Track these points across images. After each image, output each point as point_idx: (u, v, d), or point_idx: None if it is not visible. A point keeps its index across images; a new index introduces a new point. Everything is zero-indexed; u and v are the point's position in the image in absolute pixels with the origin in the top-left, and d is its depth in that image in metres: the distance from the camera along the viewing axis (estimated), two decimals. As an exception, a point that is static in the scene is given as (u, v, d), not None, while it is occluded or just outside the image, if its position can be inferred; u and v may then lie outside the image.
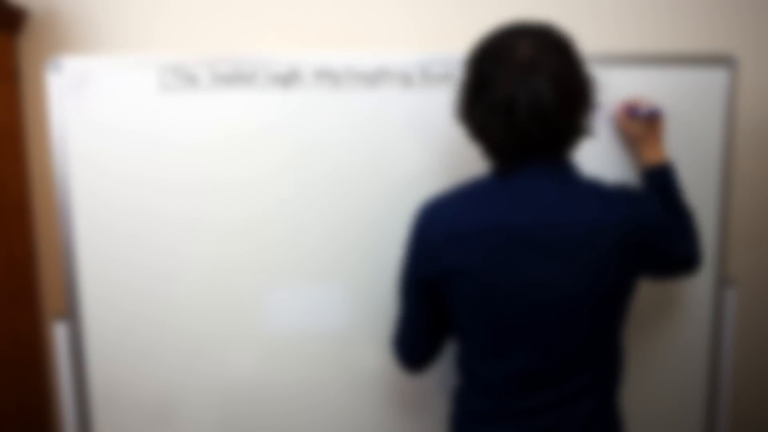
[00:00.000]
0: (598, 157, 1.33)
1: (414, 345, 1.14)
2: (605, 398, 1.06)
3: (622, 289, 1.03)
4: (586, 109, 0.98)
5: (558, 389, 1.02)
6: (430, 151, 1.32)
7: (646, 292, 1.40)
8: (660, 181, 1.24)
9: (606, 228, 0.96)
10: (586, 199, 0.97)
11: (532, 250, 0.96)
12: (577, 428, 1.02)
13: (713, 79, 1.36)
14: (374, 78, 1.30)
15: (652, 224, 1.01)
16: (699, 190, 1.38)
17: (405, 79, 1.30)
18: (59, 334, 1.30)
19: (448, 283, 1.01)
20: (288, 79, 1.29)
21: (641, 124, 1.27)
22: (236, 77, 1.28)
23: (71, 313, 1.30)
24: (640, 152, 1.30)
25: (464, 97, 1.00)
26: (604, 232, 0.96)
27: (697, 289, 1.42)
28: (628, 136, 1.30)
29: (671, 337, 1.43)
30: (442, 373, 1.32)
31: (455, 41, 1.62)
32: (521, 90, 0.91)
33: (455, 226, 0.99)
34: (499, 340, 1.02)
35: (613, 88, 1.33)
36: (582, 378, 1.02)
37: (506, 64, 0.93)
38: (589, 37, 1.66)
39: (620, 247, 0.97)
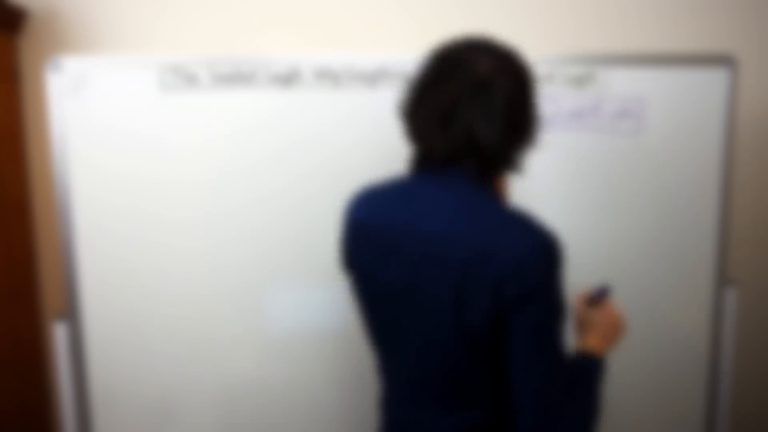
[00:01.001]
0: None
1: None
2: None
3: (482, 333, 0.88)
4: (524, 143, 0.93)
5: (413, 416, 0.99)
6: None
7: (646, 291, 1.40)
8: (591, 369, 1.00)
9: (471, 252, 0.86)
10: (464, 216, 0.89)
11: (389, 254, 0.92)
12: None
13: (713, 79, 1.35)
14: (374, 78, 1.30)
15: (526, 267, 0.85)
16: (699, 190, 1.38)
17: (405, 79, 1.29)
18: (59, 334, 1.30)
19: (350, 276, 1.02)
20: (288, 79, 1.28)
21: (597, 308, 1.11)
22: (236, 77, 1.28)
23: (71, 313, 1.30)
24: (584, 338, 1.08)
25: (410, 96, 0.95)
26: (466, 255, 0.86)
27: (697, 289, 1.42)
28: (586, 326, 1.09)
29: (671, 337, 1.43)
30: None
31: (455, 41, 1.62)
32: (467, 106, 0.87)
33: (356, 219, 0.99)
34: (379, 347, 1.03)
35: (614, 87, 1.33)
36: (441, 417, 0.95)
37: (461, 74, 0.89)
38: (589, 37, 1.66)
39: (486, 283, 0.85)
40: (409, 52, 1.33)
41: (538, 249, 0.86)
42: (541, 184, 1.32)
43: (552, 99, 1.31)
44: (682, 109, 1.35)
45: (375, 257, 0.95)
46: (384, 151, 1.32)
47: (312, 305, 1.35)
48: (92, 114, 1.26)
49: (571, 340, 1.02)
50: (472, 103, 0.87)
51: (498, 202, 0.93)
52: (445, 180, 0.92)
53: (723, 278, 1.42)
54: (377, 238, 0.94)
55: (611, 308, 1.10)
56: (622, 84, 1.33)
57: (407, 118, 0.96)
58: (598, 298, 1.11)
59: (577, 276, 1.10)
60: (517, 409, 0.87)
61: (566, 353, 0.91)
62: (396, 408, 1.02)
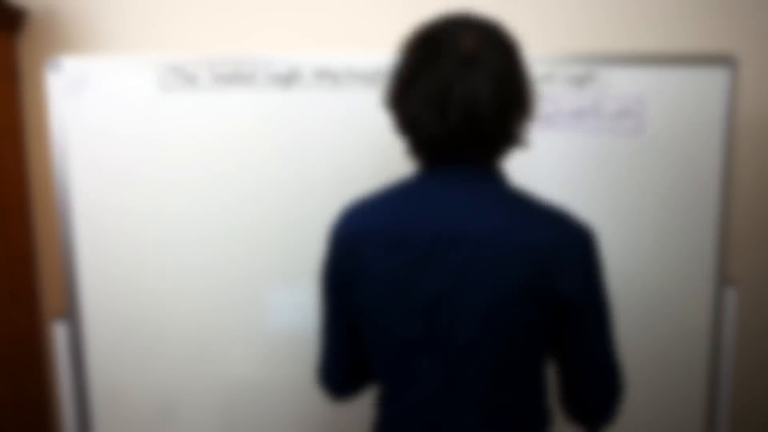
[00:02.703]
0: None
1: (333, 367, 1.02)
2: None
3: (524, 325, 0.88)
4: (523, 116, 0.90)
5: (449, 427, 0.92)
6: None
7: (646, 291, 1.40)
8: None
9: (515, 247, 0.85)
10: (499, 211, 0.88)
11: (426, 260, 0.87)
12: None
13: (713, 79, 1.35)
14: (374, 78, 1.30)
15: (570, 258, 0.86)
16: (699, 190, 1.38)
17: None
18: (59, 334, 1.30)
19: (351, 290, 0.94)
20: (288, 79, 1.28)
21: None
22: (236, 77, 1.28)
23: (71, 313, 1.30)
24: None
25: (396, 85, 0.90)
26: (510, 250, 0.85)
27: (697, 289, 1.42)
28: None
29: (671, 337, 1.43)
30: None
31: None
32: (458, 83, 0.83)
33: (361, 230, 0.92)
34: (397, 356, 0.93)
35: (614, 87, 1.33)
36: (476, 421, 0.91)
37: (446, 54, 0.84)
38: (589, 37, 1.66)
39: (527, 274, 0.85)
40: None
41: (581, 236, 0.88)
42: (540, 184, 1.32)
43: (552, 99, 1.31)
44: (682, 109, 1.35)
45: (406, 265, 0.88)
46: (384, 151, 1.32)
47: (312, 305, 1.35)
48: (92, 114, 1.26)
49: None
50: (462, 81, 0.84)
51: (520, 192, 0.92)
52: (462, 176, 0.90)
53: (723, 278, 1.42)
54: (407, 246, 0.88)
55: None
56: (622, 84, 1.33)
57: (396, 109, 0.91)
58: None
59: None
60: (581, 389, 0.94)
61: None
62: (428, 415, 0.94)
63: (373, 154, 1.31)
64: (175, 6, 1.60)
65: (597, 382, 0.94)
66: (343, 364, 1.02)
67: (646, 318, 1.42)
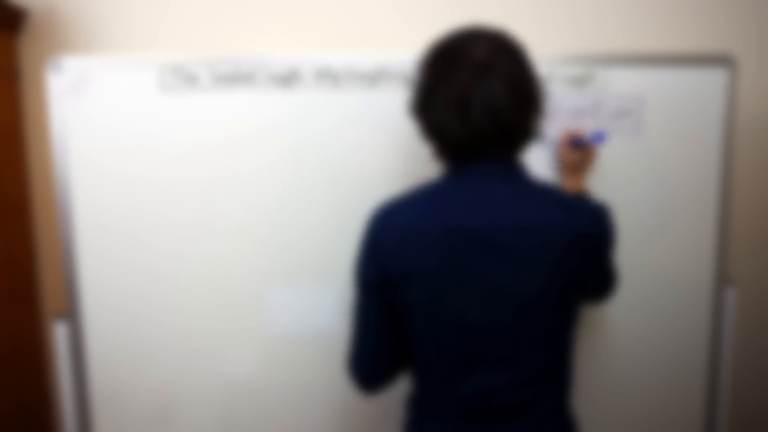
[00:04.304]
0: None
1: (369, 361, 1.07)
2: (559, 404, 1.06)
3: (569, 296, 1.02)
4: (536, 112, 1.00)
5: (516, 398, 1.01)
6: (430, 150, 1.32)
7: (646, 291, 1.40)
8: None
9: (560, 232, 0.96)
10: (539, 201, 0.98)
11: (489, 252, 0.96)
12: None
13: (713, 79, 1.36)
14: (374, 78, 1.30)
15: (604, 235, 1.02)
16: (699, 190, 1.38)
17: (405, 79, 1.30)
18: (59, 334, 1.30)
19: (401, 288, 0.99)
20: (288, 79, 1.29)
21: (579, 153, 1.30)
22: (236, 77, 1.28)
23: (71, 313, 1.30)
24: (567, 179, 1.33)
25: (419, 94, 1.01)
26: (558, 235, 0.96)
27: (697, 289, 1.42)
28: (565, 165, 1.32)
29: (671, 337, 1.43)
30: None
31: (455, 41, 1.63)
32: (476, 89, 0.94)
33: (409, 229, 0.98)
34: (457, 348, 1.00)
35: (613, 87, 1.33)
36: (539, 386, 1.02)
37: (462, 63, 0.95)
38: (588, 38, 1.66)
39: (570, 251, 0.97)
40: (409, 52, 1.34)
41: (606, 219, 1.02)
42: (540, 184, 1.32)
43: (551, 99, 1.31)
44: (681, 109, 1.36)
45: (464, 259, 0.96)
46: (384, 151, 1.32)
47: (312, 305, 1.35)
48: (92, 114, 1.26)
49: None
50: (480, 86, 0.94)
51: (541, 182, 1.02)
52: (491, 172, 0.99)
53: (723, 278, 1.42)
54: (460, 241, 0.96)
55: (594, 154, 1.31)
56: (622, 84, 1.34)
57: (421, 117, 1.01)
58: (590, 141, 1.26)
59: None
60: (591, 295, 1.17)
61: None
62: (495, 396, 1.01)
63: (373, 153, 1.32)
64: (176, 6, 1.60)
65: (604, 287, 1.17)
66: (380, 357, 1.07)
67: (645, 317, 1.42)
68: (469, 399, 1.02)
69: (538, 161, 1.34)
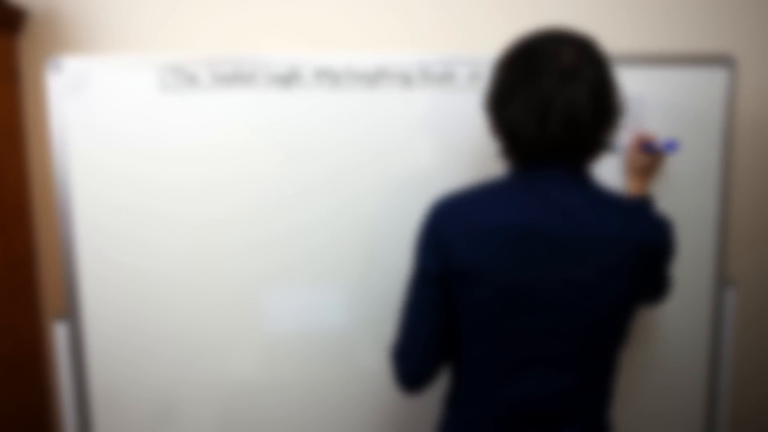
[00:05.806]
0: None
1: (420, 357, 1.04)
2: (602, 413, 1.06)
3: (631, 304, 1.03)
4: (614, 125, 0.99)
5: (568, 402, 1.01)
6: (430, 151, 1.32)
7: (646, 292, 1.40)
8: None
9: (629, 240, 0.97)
10: (609, 209, 0.98)
11: (561, 256, 0.95)
12: None
13: (713, 79, 1.36)
14: (374, 78, 1.30)
15: (666, 247, 1.03)
16: (699, 190, 1.38)
17: (405, 79, 1.30)
18: (59, 334, 1.30)
19: (464, 284, 0.98)
20: (288, 79, 1.29)
21: (649, 158, 1.30)
22: (236, 77, 1.28)
23: (71, 312, 1.30)
24: (633, 182, 1.34)
25: (497, 92, 0.99)
26: (627, 244, 0.97)
27: (697, 289, 1.42)
28: (632, 168, 1.33)
29: (671, 337, 1.43)
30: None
31: (455, 42, 1.62)
32: (559, 95, 0.92)
33: (478, 225, 0.97)
34: (514, 350, 0.99)
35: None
36: (590, 392, 1.03)
37: (547, 67, 0.93)
38: (589, 37, 1.66)
39: (637, 260, 0.98)
40: (408, 52, 1.34)
41: (670, 231, 1.03)
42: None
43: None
44: (681, 108, 1.35)
45: (535, 259, 0.95)
46: (384, 151, 1.32)
47: (312, 305, 1.35)
48: (92, 114, 1.26)
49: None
50: (564, 92, 0.92)
51: (609, 189, 1.02)
52: (562, 177, 0.98)
53: (723, 278, 1.42)
54: (530, 241, 0.95)
55: (662, 161, 1.31)
56: (622, 84, 1.33)
57: (495, 114, 1.00)
58: (662, 149, 1.25)
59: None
60: (650, 300, 1.19)
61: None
62: (553, 399, 1.01)
63: (373, 153, 1.32)
64: (176, 6, 1.60)
65: (657, 294, 1.19)
66: (431, 354, 1.04)
67: (646, 317, 1.42)
68: (519, 402, 1.01)
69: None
